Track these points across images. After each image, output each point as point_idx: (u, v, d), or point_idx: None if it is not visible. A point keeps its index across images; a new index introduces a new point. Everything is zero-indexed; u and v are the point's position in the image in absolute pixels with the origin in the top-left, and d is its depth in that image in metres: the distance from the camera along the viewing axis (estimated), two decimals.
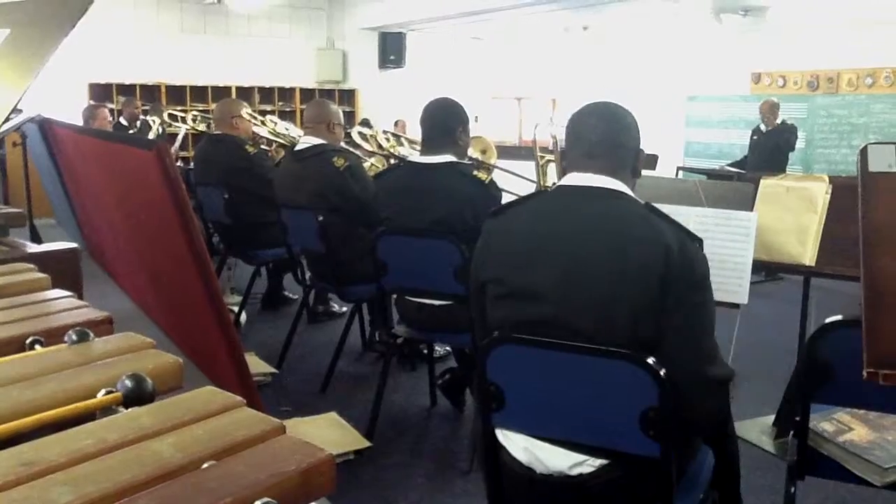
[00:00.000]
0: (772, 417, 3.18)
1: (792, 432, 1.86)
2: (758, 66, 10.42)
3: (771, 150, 7.26)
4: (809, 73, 9.86)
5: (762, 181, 2.81)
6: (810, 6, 9.04)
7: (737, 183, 2.95)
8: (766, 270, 5.19)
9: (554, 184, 3.17)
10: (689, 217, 2.53)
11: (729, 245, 2.48)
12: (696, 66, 10.95)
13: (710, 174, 7.63)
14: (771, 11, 9.66)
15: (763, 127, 7.52)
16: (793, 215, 2.70)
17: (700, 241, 1.67)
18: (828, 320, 1.68)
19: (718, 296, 2.47)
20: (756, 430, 3.15)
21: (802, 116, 9.61)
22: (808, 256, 2.66)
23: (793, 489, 1.85)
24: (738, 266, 2.47)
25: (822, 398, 1.76)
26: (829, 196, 2.68)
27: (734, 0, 9.50)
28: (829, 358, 1.69)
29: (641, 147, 1.83)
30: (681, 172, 8.42)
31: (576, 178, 1.75)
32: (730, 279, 2.46)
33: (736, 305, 2.46)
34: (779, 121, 7.41)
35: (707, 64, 10.82)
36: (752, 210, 2.65)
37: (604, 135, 1.75)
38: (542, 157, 3.41)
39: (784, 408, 3.08)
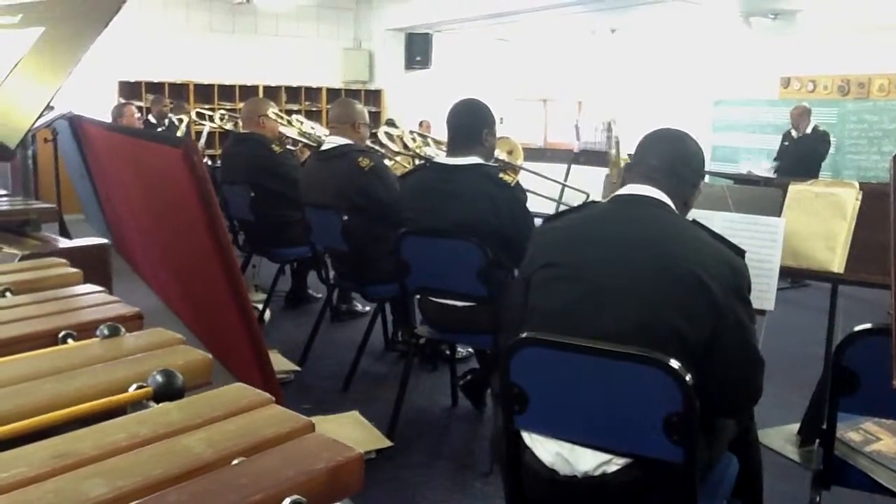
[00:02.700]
0: (796, 426, 3.15)
1: (817, 441, 1.84)
2: (787, 71, 10.29)
3: (802, 156, 7.13)
4: (840, 77, 9.72)
5: (791, 186, 2.78)
6: (841, 10, 8.93)
7: (765, 188, 2.92)
8: (792, 277, 5.13)
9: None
10: (716, 221, 2.51)
11: (756, 250, 2.46)
12: (723, 69, 10.84)
13: (737, 179, 7.55)
14: (801, 15, 9.55)
15: (794, 133, 7.40)
16: (821, 221, 2.67)
17: (744, 252, 1.74)
18: (856, 328, 1.66)
19: None
20: (780, 438, 3.12)
21: (832, 122, 9.48)
22: (837, 263, 2.63)
23: (818, 498, 1.83)
24: (764, 272, 2.45)
25: (849, 407, 1.74)
26: (858, 202, 2.64)
27: (763, 3, 9.40)
28: (856, 367, 1.67)
29: (700, 185, 1.91)
30: (707, 177, 8.34)
31: (631, 189, 1.82)
32: (756, 285, 2.43)
33: (762, 312, 2.44)
34: (810, 127, 7.28)
35: (735, 68, 10.71)
36: (780, 216, 2.62)
37: (664, 162, 1.82)
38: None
39: (809, 416, 3.05)
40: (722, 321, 1.62)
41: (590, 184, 4.09)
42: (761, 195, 2.81)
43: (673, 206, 1.79)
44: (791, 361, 4.05)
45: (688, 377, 1.48)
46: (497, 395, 2.04)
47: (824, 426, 1.78)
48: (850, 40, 9.39)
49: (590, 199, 3.26)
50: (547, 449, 1.68)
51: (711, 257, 1.65)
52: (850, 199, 2.65)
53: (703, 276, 1.60)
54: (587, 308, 1.66)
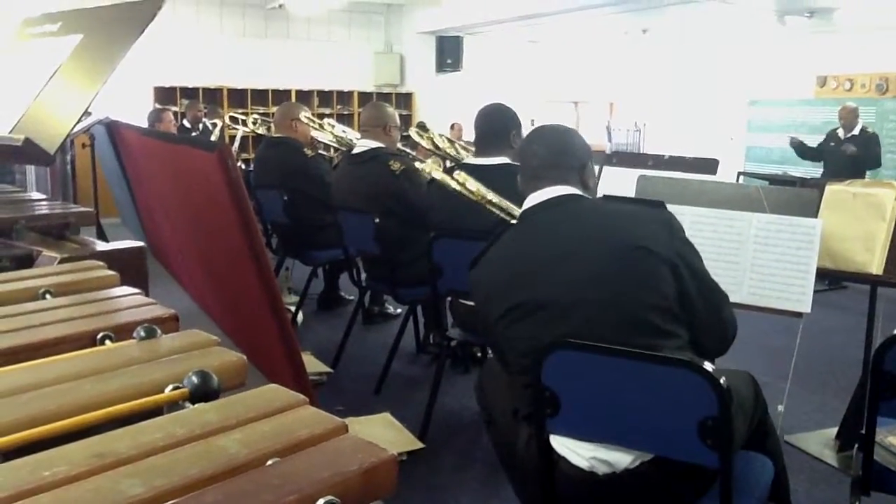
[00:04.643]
0: (834, 430, 3.10)
1: (856, 446, 1.81)
2: (823, 70, 10.14)
3: (852, 157, 6.90)
4: (878, 75, 9.56)
5: (828, 187, 2.74)
6: (879, 7, 8.77)
7: (801, 189, 2.88)
8: (830, 279, 5.05)
9: None
10: (751, 223, 2.48)
11: (792, 252, 2.42)
12: (758, 69, 10.70)
13: (773, 180, 7.42)
14: (838, 13, 9.40)
15: (842, 133, 7.16)
16: (860, 222, 2.62)
17: (661, 203, 1.78)
18: None
19: (780, 304, 2.43)
20: (818, 442, 3.07)
21: (871, 121, 9.28)
22: (876, 265, 2.59)
23: None
24: (801, 274, 2.41)
25: (890, 412, 1.70)
26: None
27: (799, 1, 9.27)
28: None
29: (588, 163, 1.92)
30: (741, 178, 8.24)
31: (535, 198, 1.84)
32: (792, 287, 2.41)
33: (799, 314, 2.40)
34: (858, 127, 7.05)
35: (770, 67, 10.57)
36: (816, 217, 2.58)
37: (543, 160, 1.87)
38: None
39: (848, 420, 3.00)
40: (678, 273, 1.67)
41: (622, 186, 4.06)
42: (797, 196, 2.77)
43: (579, 192, 1.82)
44: (829, 365, 3.99)
45: (722, 380, 1.46)
46: (487, 414, 2.03)
47: (863, 431, 1.75)
48: (889, 37, 9.23)
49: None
50: (581, 455, 1.67)
51: (639, 223, 1.70)
52: (890, 199, 2.60)
53: (645, 243, 1.65)
54: (575, 329, 1.64)
